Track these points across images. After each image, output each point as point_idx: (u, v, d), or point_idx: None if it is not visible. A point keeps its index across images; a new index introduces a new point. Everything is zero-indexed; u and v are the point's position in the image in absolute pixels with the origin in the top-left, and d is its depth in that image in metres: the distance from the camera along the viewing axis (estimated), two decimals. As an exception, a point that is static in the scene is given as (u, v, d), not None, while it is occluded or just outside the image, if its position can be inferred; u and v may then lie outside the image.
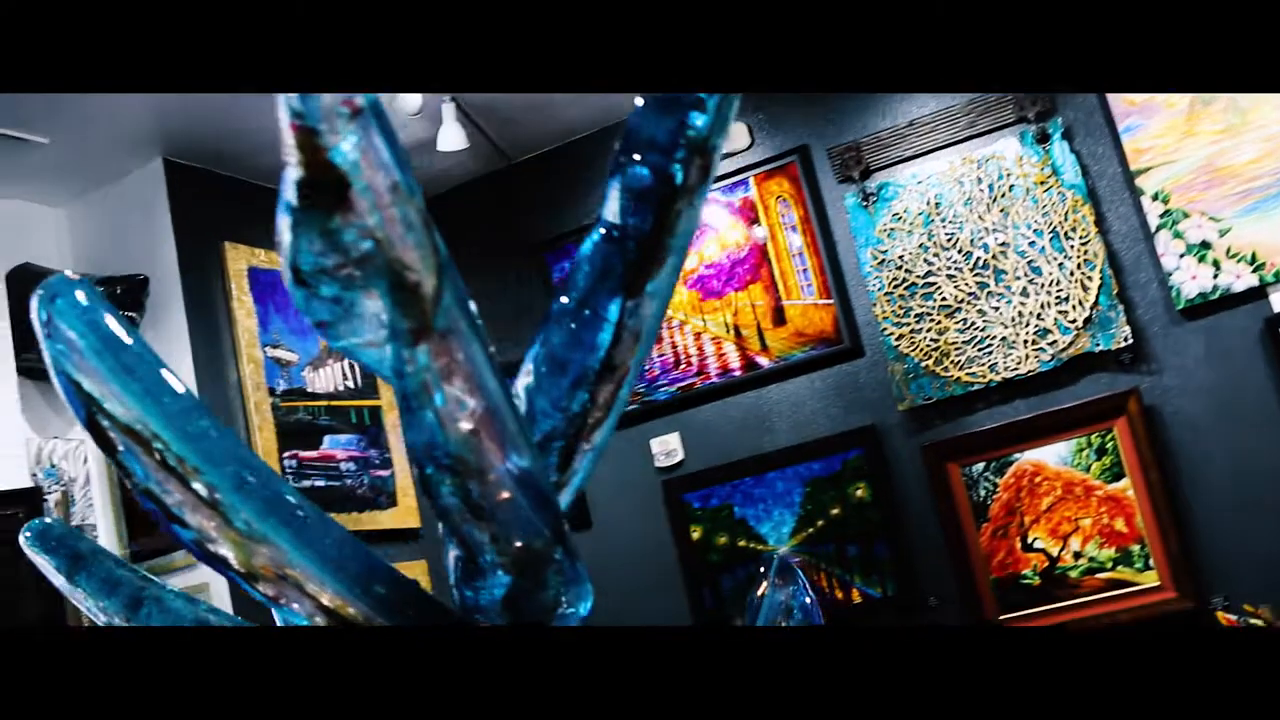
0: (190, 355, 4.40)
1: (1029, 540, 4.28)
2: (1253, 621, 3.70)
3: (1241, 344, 4.09)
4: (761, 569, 1.32)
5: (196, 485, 0.82)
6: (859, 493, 4.55)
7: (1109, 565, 4.17)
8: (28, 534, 0.86)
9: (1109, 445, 4.19)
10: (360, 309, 0.77)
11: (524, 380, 1.00)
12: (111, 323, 0.81)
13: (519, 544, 0.88)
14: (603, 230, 0.95)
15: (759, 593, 1.28)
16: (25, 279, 4.13)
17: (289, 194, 0.74)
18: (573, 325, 0.95)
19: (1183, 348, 4.16)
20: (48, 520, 0.88)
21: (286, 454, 4.53)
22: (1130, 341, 4.18)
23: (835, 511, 4.58)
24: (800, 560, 4.59)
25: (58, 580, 0.89)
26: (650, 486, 4.86)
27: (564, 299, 0.96)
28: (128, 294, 4.35)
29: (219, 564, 0.86)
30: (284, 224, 0.77)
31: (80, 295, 0.81)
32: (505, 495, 0.85)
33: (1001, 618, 4.27)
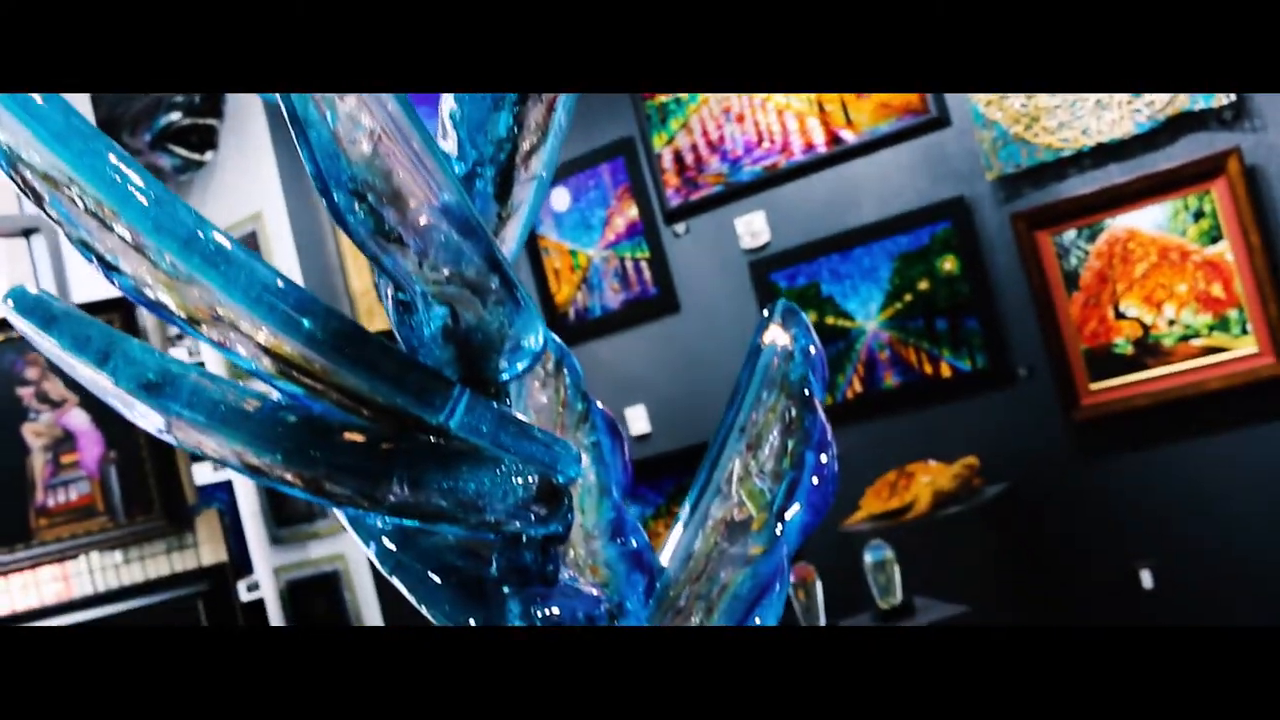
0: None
1: (1122, 308, 4.22)
2: (1353, 383, 3.64)
3: (1351, 98, 3.91)
4: (764, 312, 1.24)
5: (118, 229, 0.83)
6: (948, 265, 4.49)
7: (1205, 331, 4.10)
8: (9, 299, 0.89)
9: (1207, 208, 4.07)
10: None
11: (445, 108, 0.99)
12: None
13: (448, 272, 0.88)
14: None
15: (761, 339, 1.23)
16: None
17: None
18: None
19: (1288, 104, 3.99)
20: (26, 286, 0.91)
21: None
22: (1232, 99, 4.02)
23: (924, 286, 4.53)
24: (890, 336, 4.59)
25: (35, 340, 0.90)
26: (737, 268, 4.85)
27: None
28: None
29: (162, 311, 0.87)
30: None
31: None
32: (425, 221, 0.85)
33: (1093, 386, 4.25)
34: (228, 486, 4.39)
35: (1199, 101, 4.03)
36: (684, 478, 4.66)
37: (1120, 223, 4.19)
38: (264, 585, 4.38)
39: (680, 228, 4.97)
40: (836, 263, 4.65)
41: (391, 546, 1.02)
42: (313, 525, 4.45)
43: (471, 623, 0.96)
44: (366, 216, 0.83)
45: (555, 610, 0.95)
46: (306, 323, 0.87)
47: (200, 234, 0.85)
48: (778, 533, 1.12)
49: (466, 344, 0.95)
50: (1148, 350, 4.19)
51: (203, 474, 4.24)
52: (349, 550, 4.41)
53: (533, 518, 0.93)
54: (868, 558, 3.55)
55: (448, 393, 0.91)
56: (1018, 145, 4.29)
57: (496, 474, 0.92)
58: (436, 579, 0.99)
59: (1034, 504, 4.35)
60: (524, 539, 0.96)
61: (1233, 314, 4.06)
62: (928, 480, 4.12)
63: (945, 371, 4.54)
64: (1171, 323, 4.15)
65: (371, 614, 4.36)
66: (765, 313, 1.25)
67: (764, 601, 1.09)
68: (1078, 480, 4.33)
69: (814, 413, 1.18)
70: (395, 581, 1.03)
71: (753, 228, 4.81)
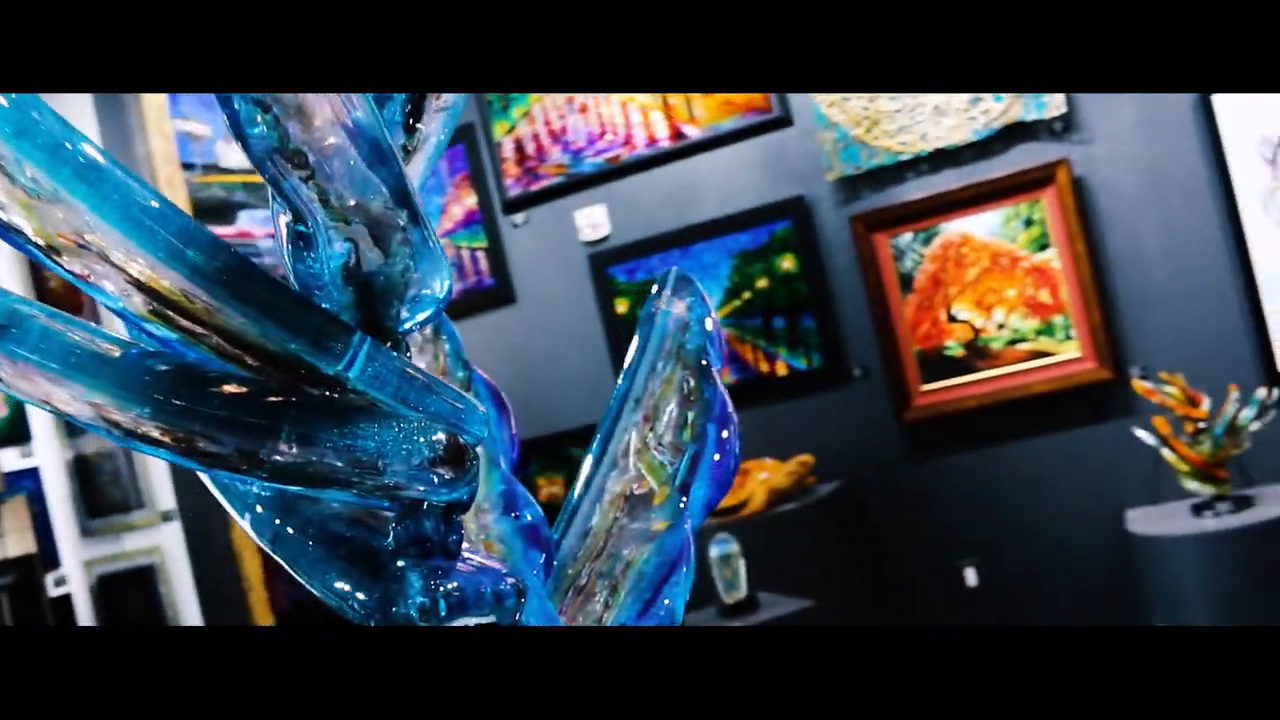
0: (97, 130, 4.20)
1: (954, 311, 4.29)
2: (1167, 389, 3.76)
3: (1174, 115, 4.04)
4: (656, 284, 1.19)
5: None
6: (786, 264, 4.51)
7: (1032, 336, 4.20)
8: None
9: (1037, 216, 4.17)
10: None
11: None
12: None
13: (353, 202, 0.80)
14: None
15: (654, 307, 1.18)
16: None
17: None
18: None
19: (1115, 117, 4.11)
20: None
21: (199, 230, 4.38)
22: (1063, 111, 4.12)
23: (762, 284, 4.55)
24: (727, 334, 4.58)
25: None
26: (576, 260, 4.79)
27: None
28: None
29: (14, 236, 0.76)
30: None
31: None
32: (331, 141, 0.77)
33: (924, 388, 4.32)
34: (35, 474, 4.15)
35: (1032, 112, 4.13)
36: (519, 471, 4.58)
37: (954, 227, 4.26)
38: (73, 579, 4.15)
39: (519, 218, 4.88)
40: (676, 258, 4.62)
41: (270, 516, 0.91)
42: (127, 516, 4.23)
43: (361, 597, 0.86)
44: (269, 131, 0.75)
45: (458, 585, 0.86)
46: (191, 254, 0.78)
47: (69, 144, 0.74)
48: (681, 506, 1.07)
49: (367, 287, 0.86)
50: (977, 353, 4.27)
51: (9, 460, 4.00)
52: (166, 543, 4.21)
53: (437, 481, 0.84)
54: (713, 551, 3.53)
55: (348, 339, 0.82)
56: (858, 147, 4.33)
57: (398, 431, 0.83)
58: (324, 551, 0.89)
59: (866, 502, 4.40)
60: (424, 506, 0.86)
61: (1058, 320, 4.17)
62: (763, 477, 4.14)
63: (781, 370, 4.56)
64: (1000, 326, 4.24)
65: (190, 612, 4.17)
66: (657, 281, 1.19)
67: (673, 579, 1.04)
68: (908, 479, 4.40)
69: (713, 384, 1.12)
70: (276, 555, 0.92)
71: (593, 220, 4.76)
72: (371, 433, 0.82)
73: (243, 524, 0.93)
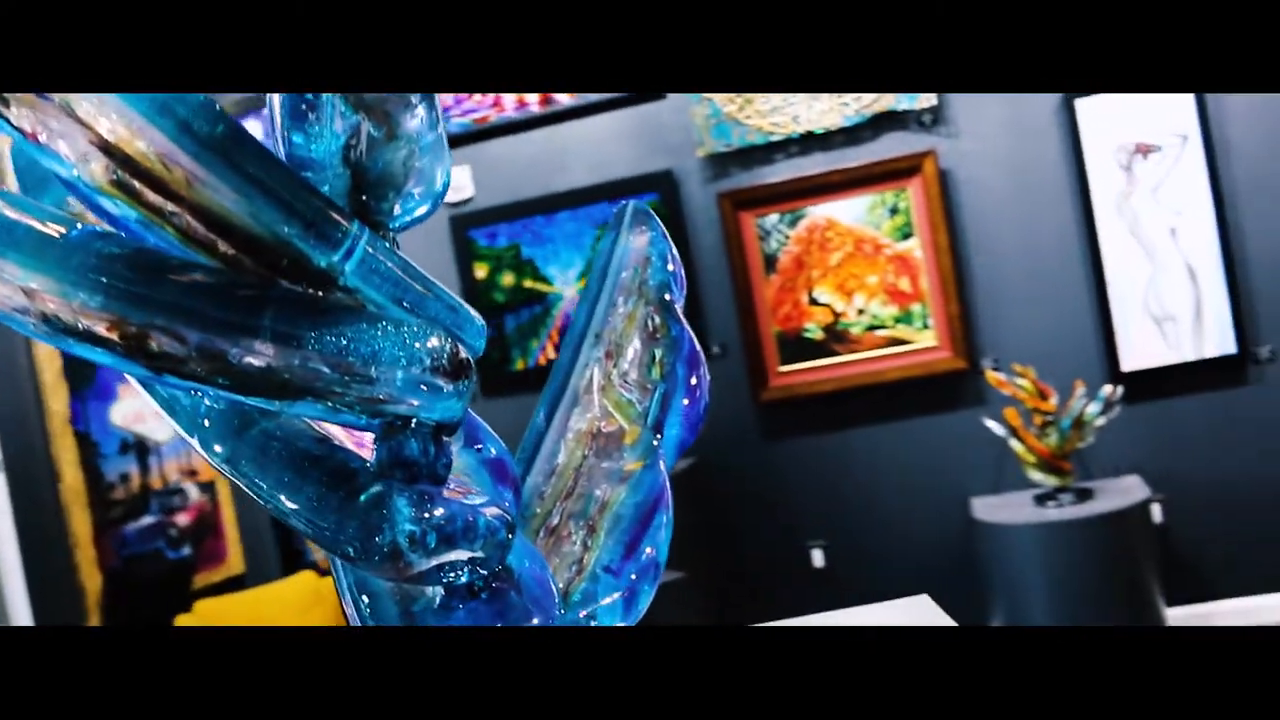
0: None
1: (815, 295, 4.32)
2: (1019, 382, 3.86)
3: (1039, 117, 4.14)
4: (614, 215, 1.13)
5: None
6: (651, 238, 4.47)
7: (890, 323, 4.26)
8: None
9: (902, 204, 4.23)
10: None
11: None
12: None
13: None
14: None
15: (613, 240, 1.13)
16: None
17: None
18: None
19: (984, 114, 4.18)
20: None
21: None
22: (934, 103, 4.18)
23: (626, 256, 4.50)
24: (588, 303, 4.53)
25: None
26: (436, 222, 4.66)
27: None
28: None
29: None
30: None
31: None
32: None
33: (782, 369, 4.34)
34: None
35: (903, 102, 4.18)
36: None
37: (821, 211, 4.29)
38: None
39: (379, 174, 4.74)
40: (540, 225, 4.55)
41: (224, 432, 0.80)
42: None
43: (338, 523, 0.75)
44: None
45: (447, 515, 0.77)
46: (182, 111, 0.67)
47: None
48: (655, 445, 1.01)
49: (364, 172, 0.78)
50: (836, 337, 4.31)
51: None
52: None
53: (432, 394, 0.76)
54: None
55: (348, 227, 0.73)
56: (730, 125, 4.32)
57: (396, 335, 0.74)
58: (293, 472, 0.78)
59: (721, 480, 4.41)
60: (412, 425, 0.77)
61: (916, 308, 4.24)
62: (619, 451, 4.10)
63: (640, 344, 4.52)
64: (860, 312, 4.29)
65: (10, 569, 3.94)
66: (615, 214, 1.14)
67: (654, 524, 0.98)
68: (762, 459, 4.42)
69: (679, 322, 1.07)
70: (231, 476, 0.81)
71: (456, 181, 4.64)
72: (365, 335, 0.73)
73: (191, 442, 0.83)
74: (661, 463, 1.01)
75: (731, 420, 4.42)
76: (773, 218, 4.34)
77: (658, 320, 1.07)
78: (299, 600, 4.07)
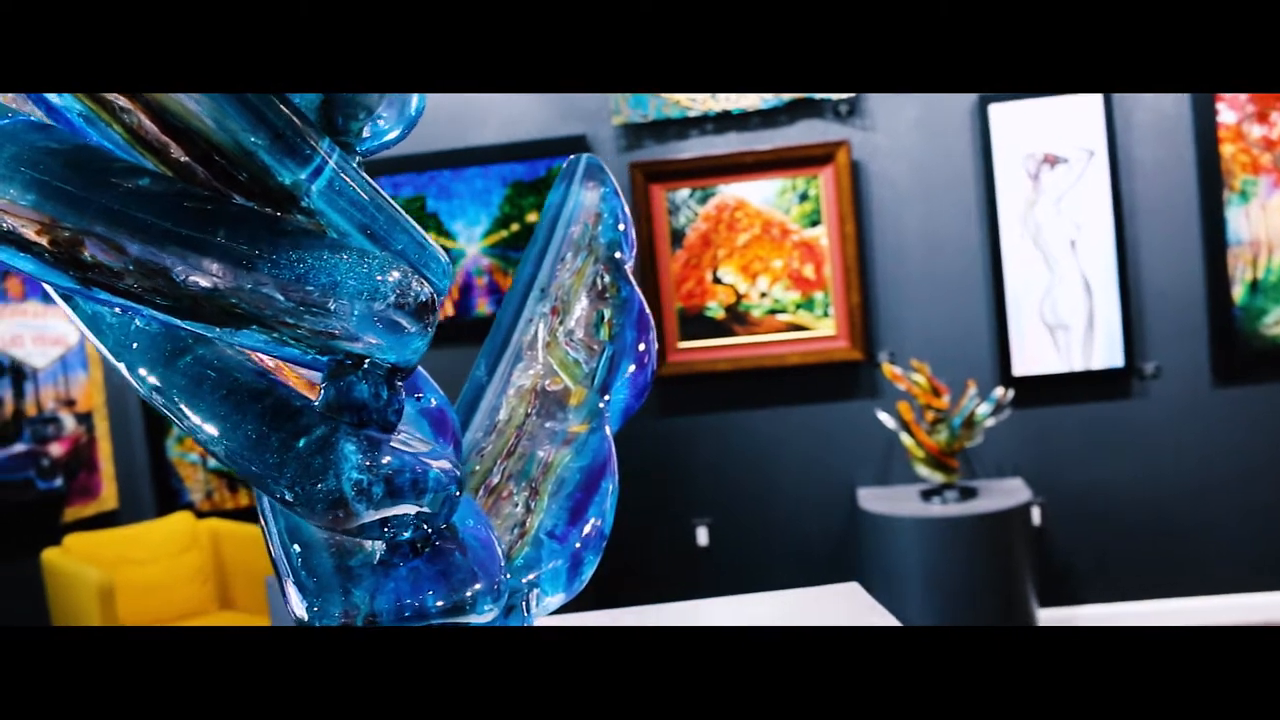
0: None
1: (719, 274, 4.32)
2: (914, 377, 3.91)
3: (953, 118, 4.18)
4: (565, 168, 1.08)
5: None
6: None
7: (791, 309, 4.28)
8: None
9: (812, 191, 4.24)
10: None
11: None
12: None
13: None
14: None
15: (563, 193, 1.09)
16: None
17: None
18: None
19: (899, 111, 4.21)
20: None
21: None
22: (851, 95, 4.20)
23: (533, 217, 4.45)
24: (490, 264, 4.47)
25: None
26: (341, 164, 4.55)
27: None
28: None
29: None
30: None
31: None
32: None
33: (680, 345, 4.33)
34: None
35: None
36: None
37: (732, 191, 4.28)
38: None
39: (285, 111, 4.60)
40: (448, 179, 4.47)
41: (154, 356, 0.73)
42: None
43: (275, 463, 0.69)
44: None
45: (395, 465, 0.72)
46: None
47: None
48: (601, 408, 0.98)
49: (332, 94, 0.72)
50: (737, 318, 4.32)
51: None
52: None
53: (393, 331, 0.70)
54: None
55: (318, 142, 0.68)
56: (648, 97, 4.28)
57: (360, 265, 0.68)
58: (230, 405, 0.71)
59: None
60: (365, 365, 0.72)
61: (819, 296, 4.26)
62: (511, 414, 4.06)
63: (540, 308, 4.48)
64: (763, 295, 4.30)
65: None
66: (565, 167, 1.09)
67: (599, 491, 0.94)
68: (653, 434, 4.41)
69: (629, 283, 1.03)
70: (158, 406, 0.74)
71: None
72: (326, 263, 0.67)
73: (116, 364, 0.76)
74: (607, 427, 0.98)
75: (626, 392, 4.40)
76: (683, 193, 4.32)
77: (607, 279, 1.04)
78: (174, 541, 3.96)
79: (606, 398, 0.99)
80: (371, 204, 0.72)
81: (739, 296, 4.31)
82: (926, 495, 3.92)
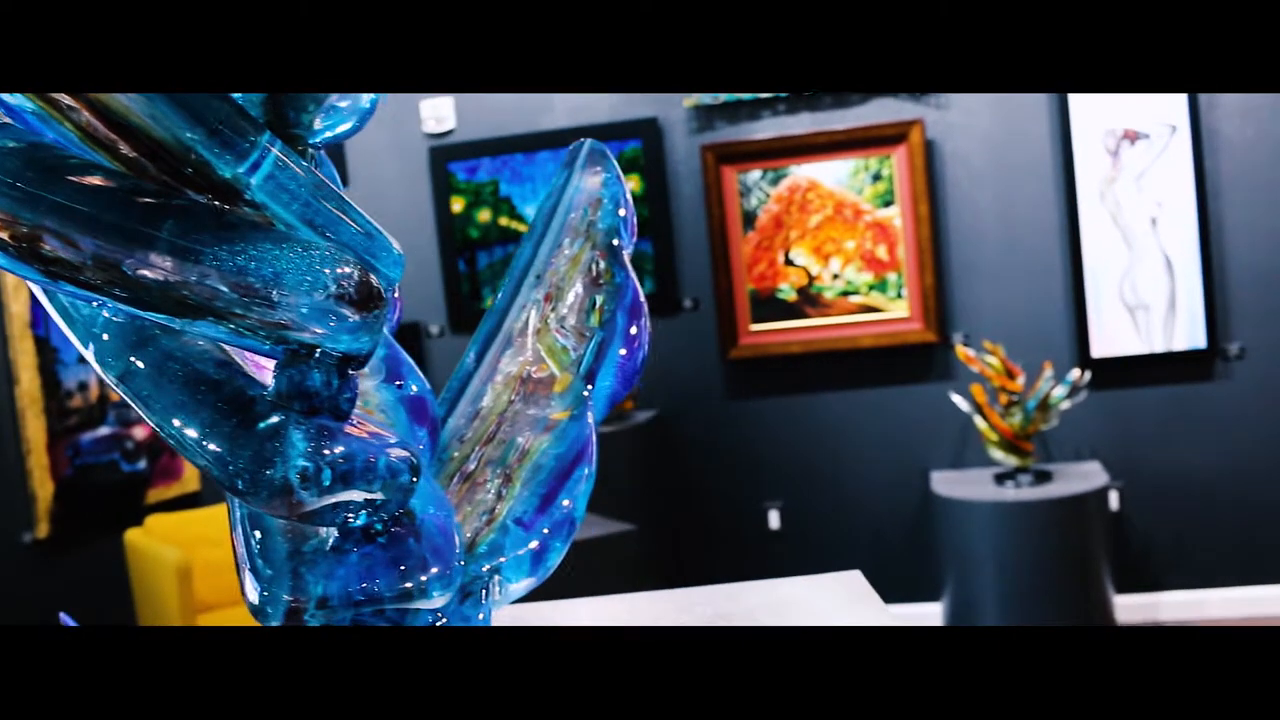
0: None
1: (791, 255, 4.29)
2: (988, 359, 3.85)
3: (1030, 96, 4.10)
4: (569, 153, 1.08)
5: None
6: (631, 185, 4.43)
7: (864, 290, 4.24)
8: None
9: (885, 172, 4.19)
10: None
11: None
12: None
13: None
14: None
15: (565, 179, 1.08)
16: None
17: None
18: None
19: (974, 85, 4.14)
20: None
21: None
22: (925, 71, 4.13)
23: (604, 202, 4.45)
24: (563, 247, 4.48)
25: None
26: (416, 151, 4.60)
27: None
28: None
29: None
30: None
31: None
32: None
33: (753, 327, 4.32)
34: None
35: (895, 67, 4.12)
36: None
37: (804, 171, 4.25)
38: None
39: (361, 98, 4.66)
40: (520, 163, 4.49)
41: (120, 346, 0.76)
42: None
43: (227, 451, 0.71)
44: None
45: (346, 452, 0.72)
46: None
47: None
48: (585, 395, 0.97)
49: None
50: (809, 300, 4.29)
51: None
52: None
53: (338, 322, 0.71)
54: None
55: (257, 136, 0.68)
56: (719, 77, 4.26)
57: (301, 257, 0.69)
58: (188, 394, 0.73)
59: (681, 434, 4.39)
60: (316, 354, 0.73)
61: (892, 277, 4.21)
62: (582, 398, 4.07)
63: (613, 291, 4.49)
64: (835, 277, 4.26)
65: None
66: (569, 152, 1.09)
67: (574, 476, 0.94)
68: (725, 416, 4.40)
69: (625, 269, 1.02)
70: (125, 394, 0.76)
71: (439, 113, 4.57)
72: (269, 255, 0.69)
73: (85, 354, 0.78)
74: (590, 414, 0.97)
75: (698, 376, 4.40)
76: (755, 174, 4.29)
77: (602, 265, 1.03)
78: (249, 523, 4.03)
79: (591, 385, 0.99)
80: (315, 195, 0.72)
81: (811, 278, 4.28)
82: (1000, 479, 3.86)
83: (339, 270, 0.70)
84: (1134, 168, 4.01)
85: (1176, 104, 3.96)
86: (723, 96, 4.26)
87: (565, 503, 0.93)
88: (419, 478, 0.77)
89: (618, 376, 1.00)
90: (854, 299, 4.25)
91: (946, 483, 3.98)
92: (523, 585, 0.91)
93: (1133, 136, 4.01)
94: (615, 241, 1.03)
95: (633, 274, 1.03)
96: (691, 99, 4.28)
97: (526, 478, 0.92)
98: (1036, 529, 3.71)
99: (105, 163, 0.68)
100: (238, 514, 0.81)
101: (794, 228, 4.28)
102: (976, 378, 3.99)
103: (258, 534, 0.79)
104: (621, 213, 1.06)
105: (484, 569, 0.88)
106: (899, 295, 4.21)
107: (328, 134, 0.77)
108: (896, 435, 4.26)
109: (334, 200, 0.73)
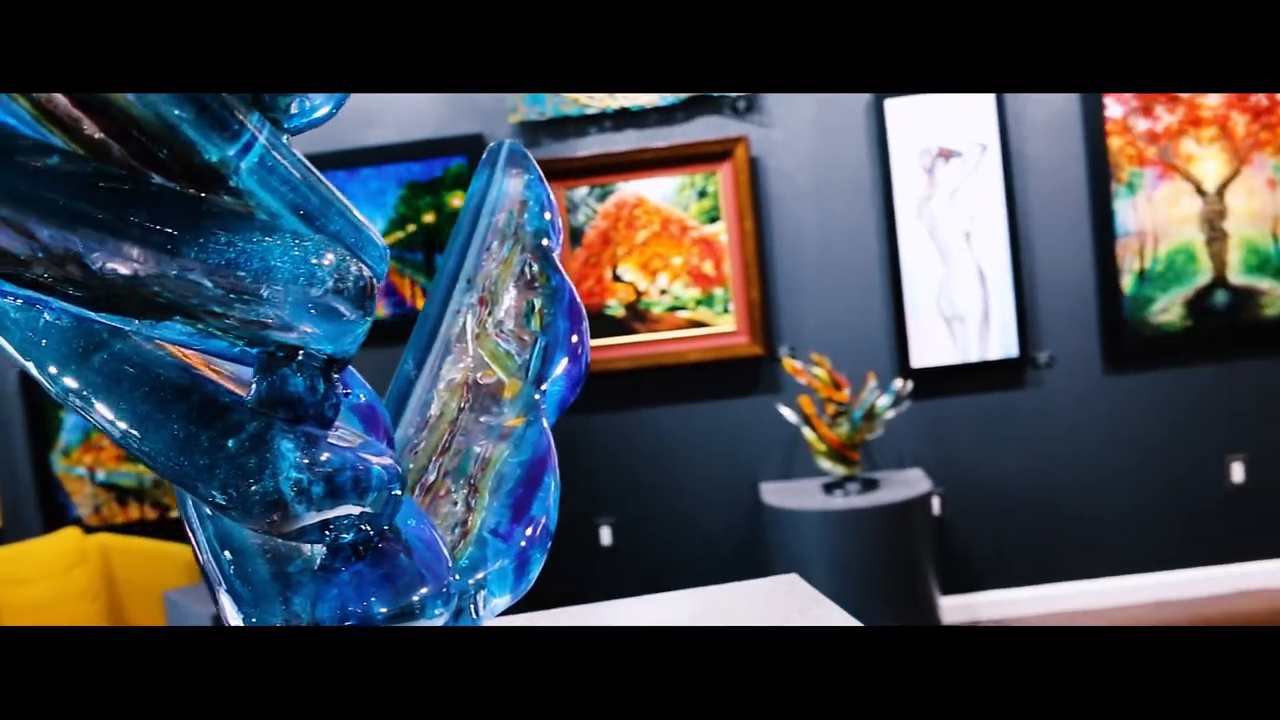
0: None
1: (619, 271, 4.31)
2: (815, 370, 3.93)
3: (849, 114, 4.22)
4: (487, 155, 1.05)
5: None
6: (456, 201, 4.38)
7: (691, 305, 4.28)
8: None
9: (711, 188, 4.24)
10: None
11: None
12: None
13: None
14: None
15: (486, 181, 1.06)
16: None
17: None
18: None
19: (797, 107, 4.23)
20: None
21: None
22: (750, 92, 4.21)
23: (429, 218, 4.39)
24: (391, 266, 4.39)
25: None
26: (231, 165, 4.45)
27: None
28: None
29: None
30: None
31: None
32: None
33: (582, 344, 4.31)
34: None
35: (719, 85, 4.18)
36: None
37: (630, 188, 4.27)
38: None
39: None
40: (342, 180, 4.38)
41: (67, 353, 0.68)
42: None
43: (207, 466, 0.65)
44: None
45: (335, 463, 0.68)
46: None
47: None
48: (536, 400, 0.95)
49: None
50: (637, 315, 4.31)
51: None
52: None
53: (328, 320, 0.66)
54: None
55: (248, 117, 0.64)
56: (545, 95, 4.25)
57: (293, 250, 0.64)
58: (153, 405, 0.66)
59: (509, 452, 4.35)
60: (299, 357, 0.67)
61: (718, 292, 4.26)
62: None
63: (439, 309, 4.42)
64: (663, 292, 4.29)
65: None
66: (487, 154, 1.06)
67: (541, 487, 0.91)
68: (555, 433, 4.36)
69: (558, 272, 1.01)
70: (74, 408, 0.69)
71: (255, 126, 4.44)
72: (259, 247, 0.63)
73: (24, 364, 0.70)
74: (544, 420, 0.96)
75: (528, 392, 4.36)
76: (582, 191, 4.30)
77: (535, 268, 1.01)
78: (61, 558, 3.83)
79: (542, 390, 0.97)
80: (304, 183, 0.68)
81: (639, 294, 4.30)
82: (829, 488, 3.94)
83: (333, 262, 0.66)
84: (948, 184, 4.16)
85: (987, 124, 4.13)
86: (549, 113, 4.25)
87: (539, 512, 0.91)
88: (405, 488, 0.74)
89: (565, 381, 0.98)
90: (681, 314, 4.29)
91: (777, 493, 4.04)
92: (506, 599, 0.88)
93: (947, 154, 4.16)
94: (545, 242, 1.02)
95: (566, 276, 1.02)
96: (517, 115, 4.26)
97: (493, 487, 0.89)
98: (865, 535, 3.80)
99: (63, 144, 0.62)
100: (202, 533, 0.74)
101: (621, 244, 4.30)
102: (804, 389, 4.06)
103: (229, 554, 0.73)
104: (547, 215, 1.05)
105: (469, 583, 0.85)
106: (725, 310, 4.26)
107: (304, 119, 0.73)
108: (726, 448, 4.31)
109: (322, 189, 0.69)
